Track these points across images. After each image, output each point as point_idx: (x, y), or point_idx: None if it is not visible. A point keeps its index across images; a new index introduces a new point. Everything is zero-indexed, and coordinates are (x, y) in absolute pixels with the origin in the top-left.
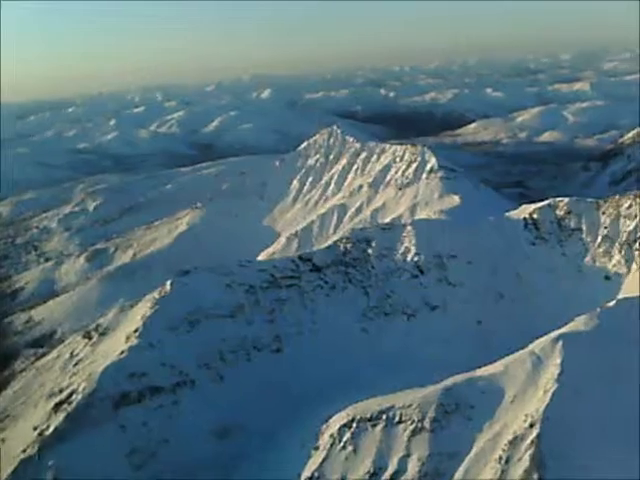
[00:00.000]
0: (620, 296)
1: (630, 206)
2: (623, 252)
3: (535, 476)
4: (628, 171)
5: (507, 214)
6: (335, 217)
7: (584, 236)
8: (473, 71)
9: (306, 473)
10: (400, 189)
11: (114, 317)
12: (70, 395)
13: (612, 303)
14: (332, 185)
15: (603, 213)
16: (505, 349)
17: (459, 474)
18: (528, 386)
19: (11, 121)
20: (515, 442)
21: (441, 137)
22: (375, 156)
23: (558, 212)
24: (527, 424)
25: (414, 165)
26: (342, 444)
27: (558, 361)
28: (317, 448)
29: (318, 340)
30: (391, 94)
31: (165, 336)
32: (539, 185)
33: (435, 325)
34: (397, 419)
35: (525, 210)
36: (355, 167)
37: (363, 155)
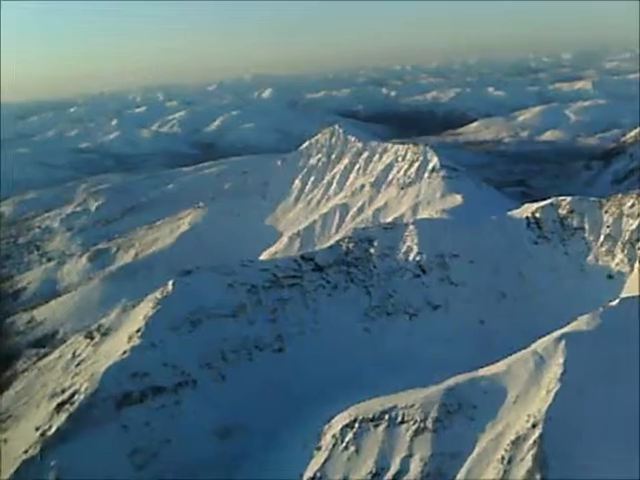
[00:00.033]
0: (623, 295)
1: (633, 205)
2: (626, 251)
3: (538, 476)
4: (630, 170)
5: (509, 213)
6: (337, 217)
7: (587, 235)
8: (474, 70)
9: (308, 473)
10: (402, 188)
11: (116, 317)
12: (72, 395)
13: (615, 302)
14: (334, 184)
15: (606, 212)
16: (507, 349)
17: (461, 474)
18: (531, 386)
19: (12, 121)
20: (518, 442)
21: (443, 136)
22: (377, 155)
23: (560, 211)
24: (530, 424)
25: (416, 164)
26: (344, 444)
27: (561, 361)
28: (319, 448)
29: (320, 340)
30: (393, 93)
31: (167, 336)
32: (541, 184)
33: (437, 325)
34: (399, 419)
35: (527, 209)
36: (357, 166)
37: (365, 154)
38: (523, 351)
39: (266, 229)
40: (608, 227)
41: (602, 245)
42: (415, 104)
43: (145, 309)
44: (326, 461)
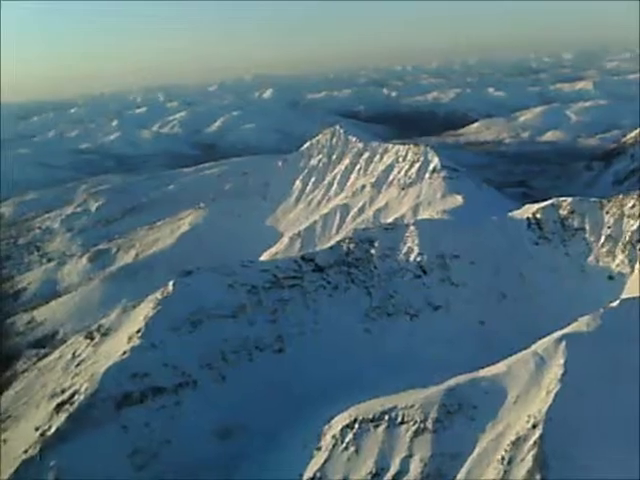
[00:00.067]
0: (623, 296)
1: (634, 206)
2: (626, 252)
3: (538, 477)
4: (631, 170)
5: (510, 214)
6: (338, 217)
7: (587, 236)
8: (475, 70)
9: (308, 474)
10: (403, 189)
11: (116, 317)
12: (72, 395)
13: (615, 303)
14: (335, 185)
15: (607, 213)
16: (508, 349)
17: (461, 475)
18: (531, 386)
19: (12, 121)
20: (518, 443)
21: (443, 137)
22: (378, 156)
23: (561, 212)
24: (530, 425)
25: (417, 165)
26: (344, 445)
27: (561, 361)
28: (319, 449)
29: (320, 340)
30: (393, 94)
31: (167, 336)
32: (542, 185)
33: (438, 325)
34: (399, 420)
35: (528, 210)
36: (358, 167)
37: (366, 155)
38: (523, 352)
39: (267, 230)
40: (609, 228)
41: (603, 246)
42: (416, 104)
43: (145, 309)
44: (326, 461)
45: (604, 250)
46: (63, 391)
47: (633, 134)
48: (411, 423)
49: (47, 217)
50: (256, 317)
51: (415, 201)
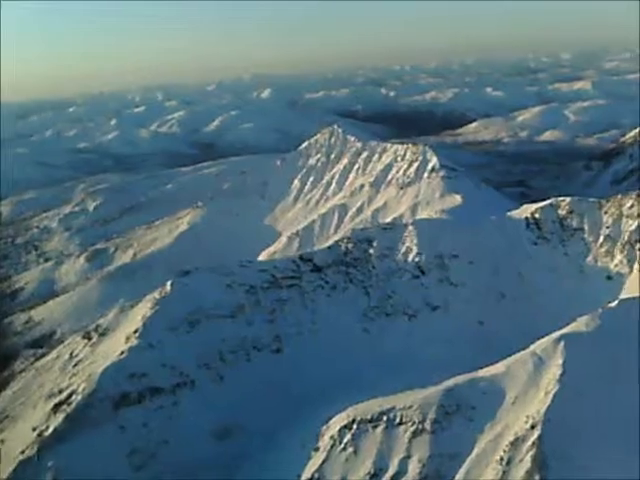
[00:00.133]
0: (622, 296)
1: (632, 206)
2: (625, 252)
3: (537, 477)
4: (630, 170)
5: (509, 214)
6: (336, 217)
7: (586, 236)
8: (473, 70)
9: (306, 474)
10: (401, 188)
11: (114, 317)
12: (70, 396)
13: (614, 303)
14: (333, 185)
15: (605, 213)
16: (507, 349)
17: (460, 475)
18: (530, 387)
19: (11, 121)
20: (516, 443)
21: (442, 136)
22: (376, 155)
23: (560, 212)
24: (529, 425)
25: (415, 164)
26: (342, 445)
27: (560, 362)
28: (317, 449)
29: (319, 340)
30: (392, 93)
31: (165, 336)
32: (541, 185)
33: (436, 325)
34: (398, 420)
35: (527, 210)
36: (356, 166)
37: (364, 154)
38: (522, 352)
39: (265, 229)
40: (607, 228)
41: (601, 246)
42: (414, 104)
43: (143, 309)
44: (324, 462)
45: (603, 250)
46: (61, 391)
47: (632, 134)
48: (409, 424)
49: (45, 216)
50: (254, 317)
51: (414, 201)
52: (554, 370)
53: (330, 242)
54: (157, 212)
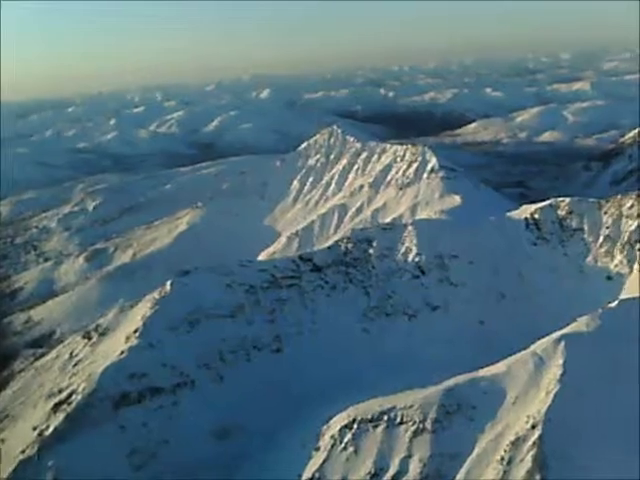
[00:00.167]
0: (622, 296)
1: (632, 206)
2: (625, 252)
3: (537, 477)
4: (629, 171)
5: (508, 214)
6: (336, 217)
7: (586, 236)
8: (472, 71)
9: (307, 474)
10: (401, 189)
11: (114, 317)
12: (70, 395)
13: (614, 304)
14: (333, 185)
15: (605, 213)
16: (507, 349)
17: (461, 475)
18: (530, 387)
19: (11, 120)
20: (517, 443)
21: (441, 137)
22: (376, 156)
23: (560, 212)
24: (529, 425)
25: (415, 165)
26: (343, 445)
27: (560, 362)
28: (318, 449)
29: (319, 340)
30: (390, 94)
31: (165, 336)
32: (540, 185)
33: (436, 325)
34: (398, 420)
35: (526, 210)
36: (356, 167)
37: (364, 155)
38: (523, 352)
39: (264, 229)
40: (607, 228)
41: (601, 246)
42: (413, 105)
43: (143, 309)
44: (325, 462)
45: (602, 250)
46: (60, 391)
47: (631, 134)
48: (410, 423)
49: (44, 216)
50: (254, 317)
51: (413, 201)
52: (555, 370)
53: (330, 242)
54: (156, 212)
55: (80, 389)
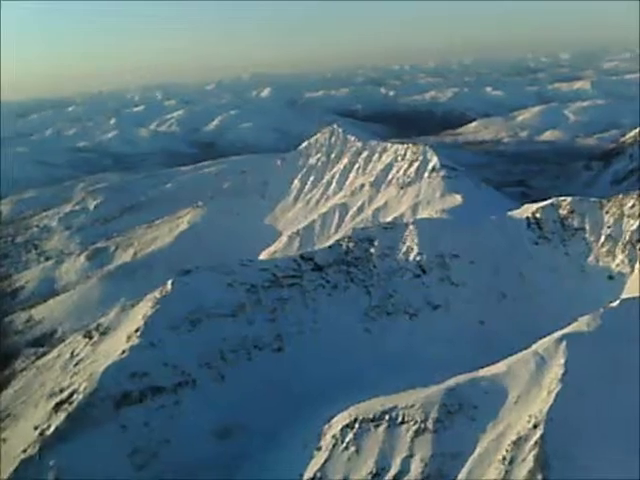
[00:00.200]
0: (623, 296)
1: (633, 205)
2: (626, 252)
3: (539, 477)
4: (630, 170)
5: (509, 213)
6: (337, 216)
7: (587, 236)
8: (472, 70)
9: (308, 473)
10: (402, 188)
11: (115, 316)
12: (71, 395)
13: (615, 303)
14: (333, 184)
15: (606, 212)
16: (508, 349)
17: (462, 475)
18: (532, 386)
19: (11, 120)
20: (519, 443)
21: (442, 136)
22: (377, 155)
23: (561, 211)
24: (531, 424)
25: (416, 164)
26: (344, 444)
27: (562, 361)
28: (319, 448)
29: (320, 340)
30: (391, 93)
31: (166, 335)
32: (541, 184)
33: (438, 325)
34: (400, 419)
35: (528, 209)
36: (357, 166)
37: (364, 154)
38: (524, 351)
39: (265, 228)
40: (609, 228)
41: (603, 246)
42: (414, 104)
43: (144, 308)
44: (326, 461)
45: (604, 250)
46: (62, 390)
47: (632, 134)
48: (412, 423)
49: (45, 215)
50: (255, 316)
51: (414, 200)
52: (556, 370)
53: (331, 241)
54: (157, 211)
55: (81, 388)
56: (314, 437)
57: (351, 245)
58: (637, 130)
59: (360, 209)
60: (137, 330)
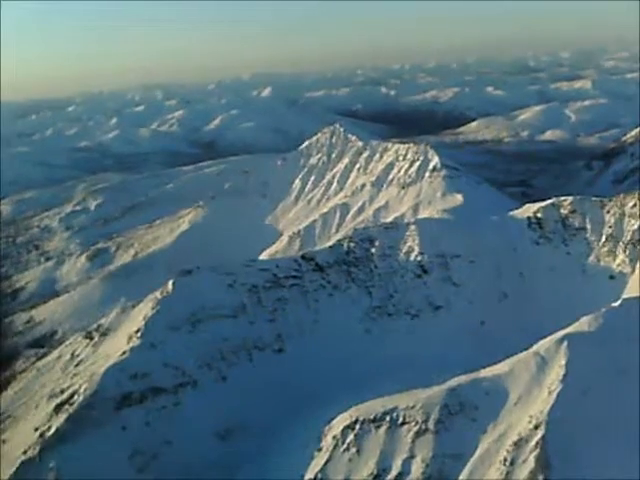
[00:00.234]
0: (625, 296)
1: (635, 205)
2: (628, 251)
3: (540, 477)
4: (631, 170)
5: (510, 213)
6: (337, 216)
7: (588, 235)
8: (473, 69)
9: (309, 474)
10: (403, 188)
11: (115, 317)
12: (71, 396)
13: (617, 303)
14: (334, 184)
15: (608, 212)
16: (509, 349)
17: (463, 475)
18: (533, 387)
19: (11, 120)
20: (520, 443)
21: (442, 135)
22: (377, 155)
23: (562, 211)
24: (532, 425)
25: (417, 164)
26: (345, 445)
27: (563, 362)
28: (320, 449)
29: (320, 340)
30: (392, 92)
31: (167, 336)
32: (542, 184)
33: (438, 325)
34: (401, 420)
35: (529, 209)
36: (357, 166)
37: (365, 154)
38: (525, 352)
39: (266, 228)
40: (610, 227)
41: (604, 245)
42: (414, 103)
43: (145, 309)
44: (327, 462)
45: (605, 250)
46: (62, 391)
47: (633, 133)
48: (412, 424)
49: (46, 215)
50: (256, 317)
51: (415, 200)
52: (557, 370)
53: (332, 242)
54: (158, 211)
55: (82, 389)
56: (315, 438)
57: (352, 245)
58: (638, 129)
59: (361, 209)
60: (138, 331)
